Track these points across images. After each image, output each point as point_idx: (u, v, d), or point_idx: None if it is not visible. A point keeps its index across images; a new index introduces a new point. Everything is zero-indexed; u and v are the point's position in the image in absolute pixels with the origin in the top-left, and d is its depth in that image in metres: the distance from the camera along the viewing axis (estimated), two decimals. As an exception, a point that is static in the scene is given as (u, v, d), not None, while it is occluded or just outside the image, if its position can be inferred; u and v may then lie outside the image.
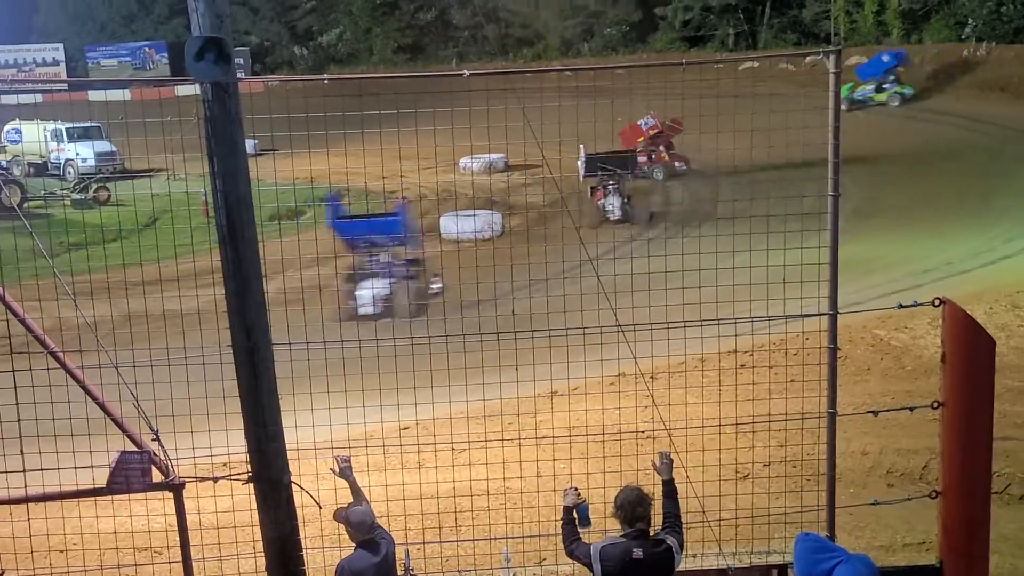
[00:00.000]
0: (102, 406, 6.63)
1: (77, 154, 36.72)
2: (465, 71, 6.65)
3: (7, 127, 37.90)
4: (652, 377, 9.82)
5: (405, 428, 10.33)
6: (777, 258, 7.07)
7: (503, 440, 7.45)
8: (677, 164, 33.77)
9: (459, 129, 7.42)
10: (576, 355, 6.92)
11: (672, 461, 6.26)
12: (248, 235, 6.27)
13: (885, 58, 45.02)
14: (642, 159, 32.73)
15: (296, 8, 70.95)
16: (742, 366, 12.01)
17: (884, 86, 43.95)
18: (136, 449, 6.46)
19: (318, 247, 16.39)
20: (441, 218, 25.35)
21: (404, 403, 7.28)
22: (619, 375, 11.58)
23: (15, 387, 6.56)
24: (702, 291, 7.02)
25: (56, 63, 69.20)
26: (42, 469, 6.58)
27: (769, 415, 7.27)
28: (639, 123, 32.97)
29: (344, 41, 68.75)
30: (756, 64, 49.41)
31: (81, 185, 31.53)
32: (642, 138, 33.65)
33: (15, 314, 6.68)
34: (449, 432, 8.15)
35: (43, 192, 31.04)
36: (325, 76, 7.36)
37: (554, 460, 7.96)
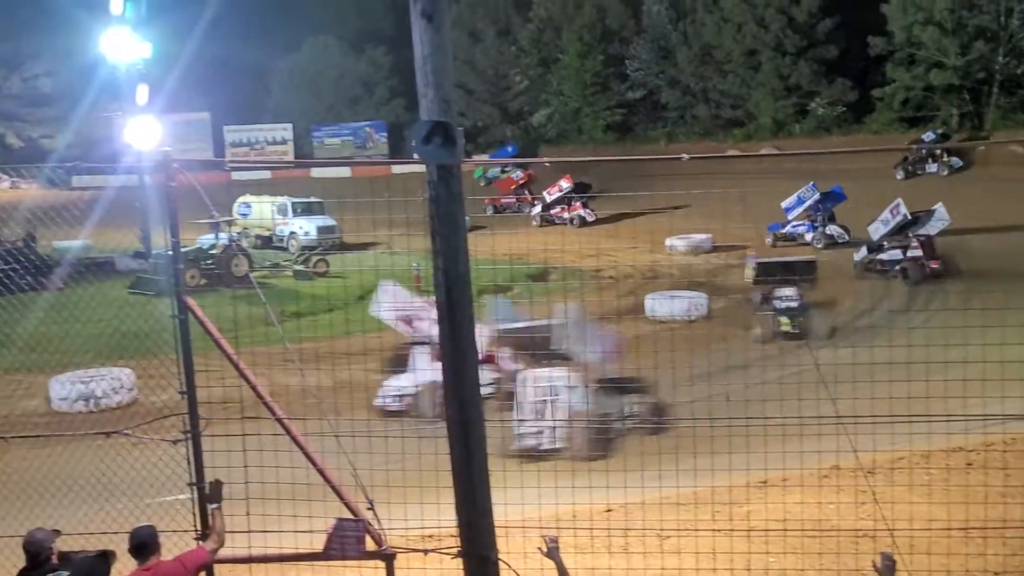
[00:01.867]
0: (322, 473, 6.88)
1: (300, 228, 38.69)
2: (684, 155, 6.65)
3: (239, 201, 40.42)
4: (871, 472, 9.37)
5: (608, 510, 10.22)
6: (1012, 352, 6.67)
7: (713, 530, 7.25)
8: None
9: (668, 209, 7.41)
10: (789, 444, 6.70)
11: (895, 563, 5.91)
12: (466, 312, 6.39)
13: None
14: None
15: (509, 90, 73.07)
16: (969, 465, 11.27)
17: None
18: (352, 517, 6.65)
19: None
20: (646, 298, 25.25)
21: (612, 485, 7.21)
22: (834, 468, 11.10)
23: (244, 450, 6.89)
24: (928, 384, 6.67)
25: (284, 141, 73.77)
26: (264, 531, 6.85)
27: (1004, 521, 6.79)
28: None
29: (554, 121, 70.22)
30: (982, 148, 47.54)
31: (303, 257, 33.12)
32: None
33: (247, 380, 7.05)
34: (656, 518, 8.00)
35: (268, 263, 32.80)
36: (546, 159, 7.49)
37: (767, 554, 7.68)
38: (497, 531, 6.40)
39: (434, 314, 6.21)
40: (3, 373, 19.18)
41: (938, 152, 46.33)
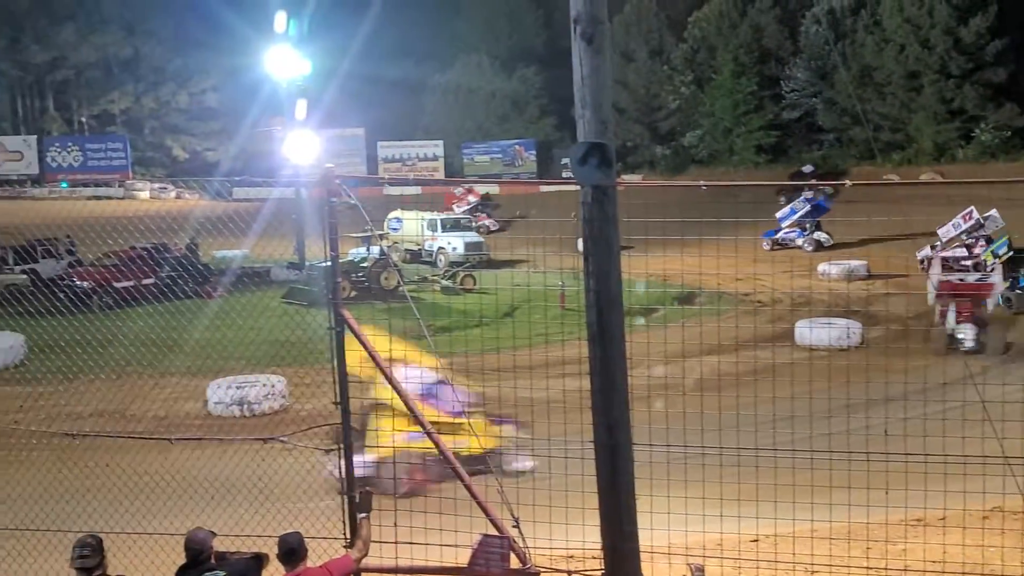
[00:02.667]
0: (469, 488, 6.94)
1: (448, 243, 39.26)
2: (847, 181, 6.47)
3: (390, 216, 41.30)
4: (1039, 516, 8.90)
5: (754, 540, 9.98)
6: None
7: (866, 567, 7.00)
8: None
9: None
10: (951, 483, 6.42)
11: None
12: (617, 335, 6.36)
13: None
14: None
15: (660, 110, 72.77)
16: None
17: None
18: (498, 534, 6.68)
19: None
20: (796, 325, 24.65)
21: (761, 516, 7.04)
22: (997, 509, 10.56)
23: (393, 462, 7.00)
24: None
25: (436, 158, 75.24)
26: (411, 543, 6.94)
27: None
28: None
29: (705, 142, 69.57)
30: None
31: (450, 272, 33.59)
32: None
33: (398, 392, 7.17)
34: (806, 551, 7.77)
35: (416, 277, 33.38)
36: (702, 182, 7.41)
37: (923, 595, 7.38)
38: (641, 556, 6.34)
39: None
40: (165, 376, 20.00)
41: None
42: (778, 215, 42.28)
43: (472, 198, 50.41)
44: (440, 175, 73.19)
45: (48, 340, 22.06)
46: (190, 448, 14.58)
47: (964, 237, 32.84)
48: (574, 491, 6.82)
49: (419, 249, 40.41)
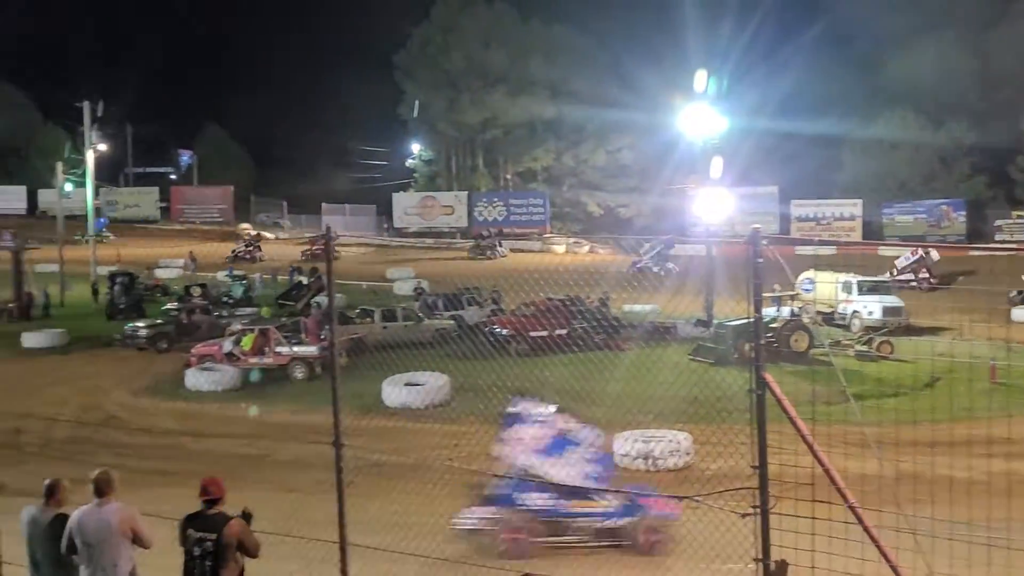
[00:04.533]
0: (895, 570, 6.43)
1: (864, 307, 37.50)
2: None
3: (802, 276, 40.22)
4: None
5: None
6: None
7: None
8: None
9: None
10: None
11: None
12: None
13: None
14: None
15: None
16: None
17: None
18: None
19: None
20: None
21: None
22: None
23: (812, 534, 6.64)
24: None
25: (853, 218, 72.43)
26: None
27: None
28: None
29: None
30: None
31: (865, 337, 32.05)
32: None
33: (820, 461, 6.81)
34: None
35: (828, 341, 32.14)
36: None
37: None
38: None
39: None
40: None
41: None
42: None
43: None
44: (856, 236, 70.15)
45: (470, 382, 23.63)
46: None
47: None
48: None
49: (832, 312, 38.95)
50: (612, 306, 32.88)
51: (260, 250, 62.58)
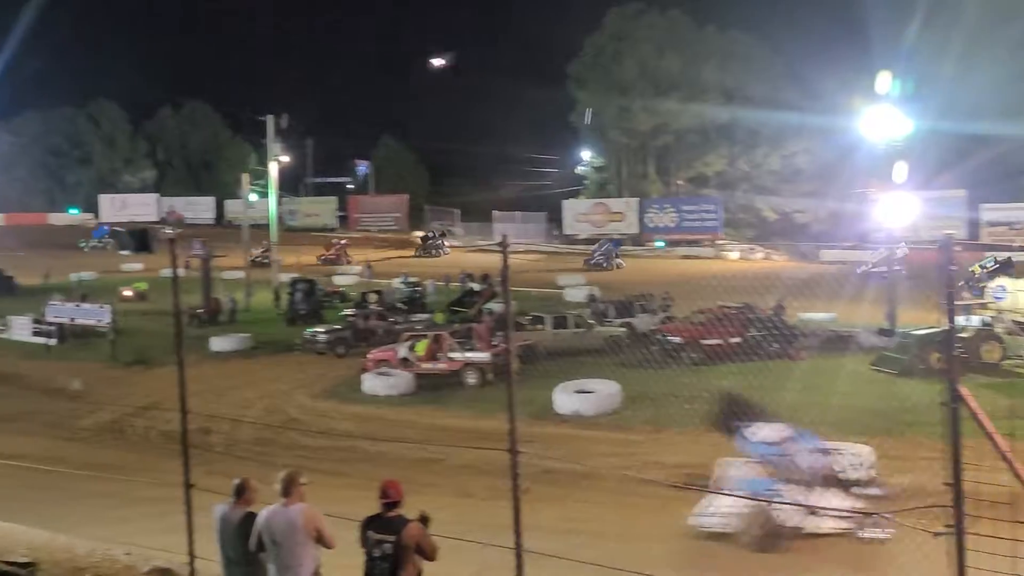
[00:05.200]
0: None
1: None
2: None
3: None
4: None
5: None
6: None
7: None
8: None
9: None
10: None
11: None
12: None
13: None
14: None
15: None
16: None
17: None
18: None
19: None
20: None
21: None
22: None
23: (1012, 557, 6.26)
24: None
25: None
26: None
27: None
28: None
29: None
30: None
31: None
32: None
33: (1020, 479, 6.42)
34: None
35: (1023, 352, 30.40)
36: None
37: None
38: None
39: None
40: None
41: None
42: None
43: None
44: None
45: (641, 390, 23.45)
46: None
47: None
48: None
49: (1025, 320, 36.83)
50: (788, 314, 32.01)
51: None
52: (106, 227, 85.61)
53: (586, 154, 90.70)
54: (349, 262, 65.44)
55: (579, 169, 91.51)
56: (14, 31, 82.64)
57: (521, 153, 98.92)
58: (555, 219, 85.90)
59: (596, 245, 68.70)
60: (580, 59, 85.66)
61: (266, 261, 56.43)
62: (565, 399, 23.30)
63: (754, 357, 25.84)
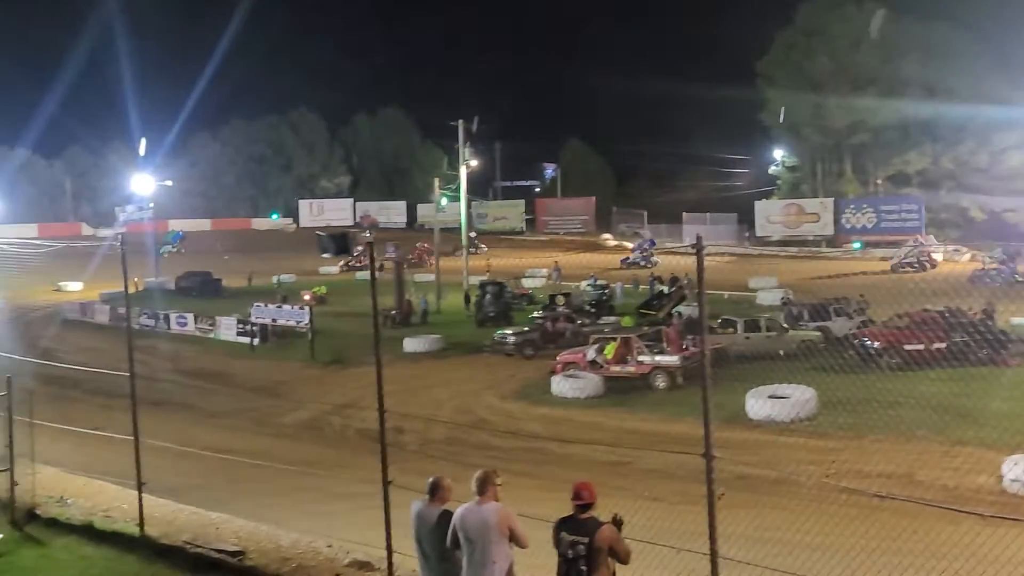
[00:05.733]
0: None
1: None
2: None
3: None
4: None
5: None
6: None
7: None
8: None
9: None
10: None
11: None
12: None
13: None
14: None
15: None
16: None
17: None
18: None
19: None
20: None
21: None
22: None
23: None
24: None
25: None
26: None
27: None
28: None
29: None
30: None
31: None
32: None
33: None
34: None
35: None
36: None
37: None
38: None
39: None
40: (956, 445, 19.12)
41: None
42: None
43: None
44: None
45: (838, 396, 22.64)
46: (981, 524, 13.67)
47: None
48: None
49: None
50: (998, 318, 30.24)
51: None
52: (180, 232, 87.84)
53: (778, 153, 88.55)
54: (431, 265, 64.83)
55: (771, 169, 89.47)
56: (219, 45, 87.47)
57: (709, 153, 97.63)
58: (745, 221, 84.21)
59: (635, 244, 70.14)
60: (770, 56, 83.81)
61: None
62: (758, 404, 22.77)
63: (961, 363, 24.59)
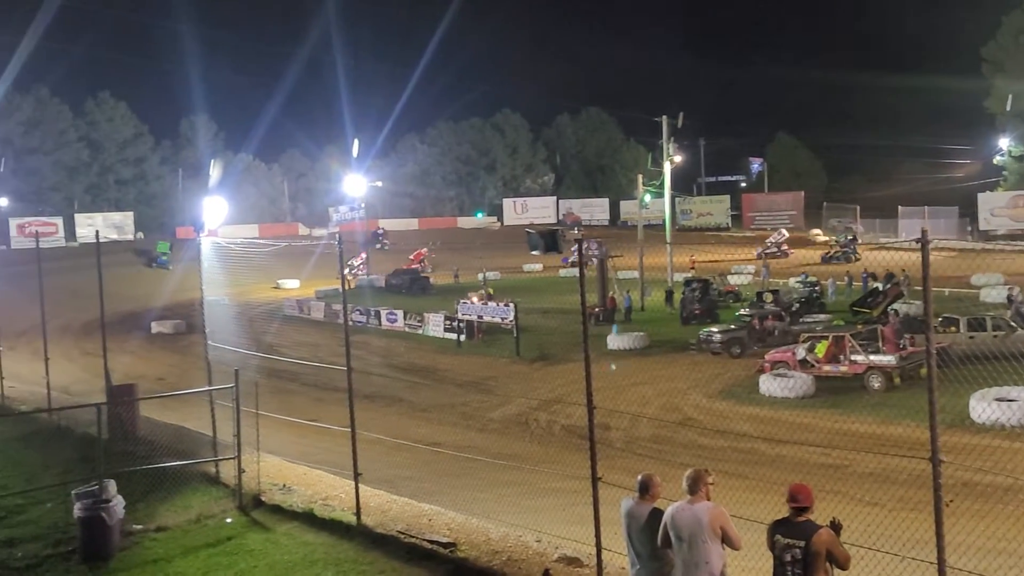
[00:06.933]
0: None
1: None
2: None
3: None
4: None
5: None
6: None
7: None
8: None
9: None
10: None
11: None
12: None
13: None
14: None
15: None
16: None
17: None
18: None
19: None
20: None
21: None
22: None
23: None
24: None
25: None
26: None
27: None
28: None
29: None
30: None
31: None
32: None
33: None
34: None
35: None
36: None
37: None
38: None
39: None
40: None
41: None
42: None
43: None
44: None
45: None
46: None
47: None
48: None
49: None
50: None
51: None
52: (169, 247, 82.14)
53: (1004, 143, 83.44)
54: (432, 270, 67.92)
55: (996, 159, 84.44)
56: (426, 51, 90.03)
57: (927, 144, 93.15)
58: (967, 214, 79.75)
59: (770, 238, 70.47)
60: (996, 40, 79.17)
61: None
62: (983, 407, 21.50)
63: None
